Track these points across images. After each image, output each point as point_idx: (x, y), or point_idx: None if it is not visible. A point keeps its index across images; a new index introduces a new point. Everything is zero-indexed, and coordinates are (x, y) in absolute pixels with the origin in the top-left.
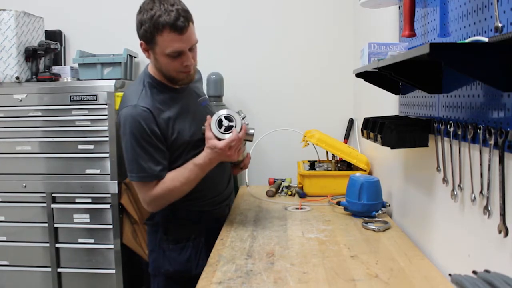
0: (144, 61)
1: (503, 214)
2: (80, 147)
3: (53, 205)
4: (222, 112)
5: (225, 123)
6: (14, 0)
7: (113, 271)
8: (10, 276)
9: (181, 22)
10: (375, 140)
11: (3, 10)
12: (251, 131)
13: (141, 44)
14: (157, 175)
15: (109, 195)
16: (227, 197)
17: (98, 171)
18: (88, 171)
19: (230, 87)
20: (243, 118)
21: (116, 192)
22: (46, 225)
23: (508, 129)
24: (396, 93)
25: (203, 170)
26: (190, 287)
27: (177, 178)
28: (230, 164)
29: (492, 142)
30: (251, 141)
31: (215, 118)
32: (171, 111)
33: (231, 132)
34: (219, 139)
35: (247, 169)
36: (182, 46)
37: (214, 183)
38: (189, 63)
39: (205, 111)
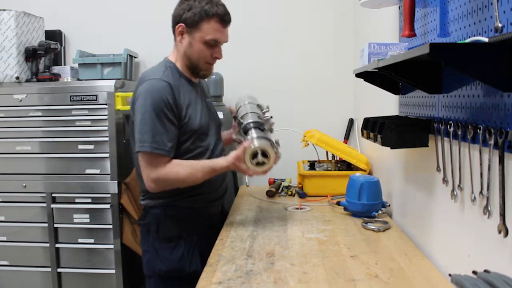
0: (144, 61)
1: (503, 214)
2: (80, 147)
3: (53, 205)
4: (260, 144)
5: (260, 159)
6: (14, 0)
7: (113, 271)
8: (10, 276)
9: (228, 17)
10: (375, 140)
11: (3, 10)
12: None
13: (178, 27)
14: (167, 151)
15: (109, 195)
16: (221, 196)
17: (98, 171)
18: (88, 171)
19: (230, 87)
20: (276, 144)
21: (116, 192)
22: (46, 225)
23: (508, 129)
24: (396, 93)
25: (215, 173)
26: (185, 286)
27: (189, 167)
28: None
29: (492, 142)
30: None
31: (251, 147)
32: (185, 97)
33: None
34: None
35: None
36: (221, 38)
37: (208, 180)
38: (219, 56)
39: (211, 109)
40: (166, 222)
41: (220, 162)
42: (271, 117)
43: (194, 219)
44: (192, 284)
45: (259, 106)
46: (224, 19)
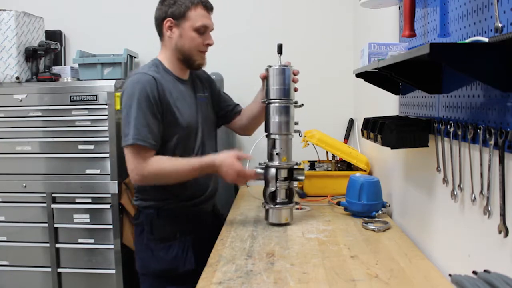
0: (144, 61)
1: (503, 214)
2: (80, 147)
3: (53, 205)
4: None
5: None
6: (14, 0)
7: (113, 271)
8: (10, 276)
9: (210, 4)
10: (375, 140)
11: (3, 10)
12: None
13: (166, 22)
14: (152, 144)
15: (109, 195)
16: (211, 197)
17: (98, 171)
18: (88, 171)
19: (230, 87)
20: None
21: (116, 192)
22: (46, 225)
23: (508, 129)
24: (396, 93)
25: (202, 171)
26: (178, 284)
27: (175, 161)
28: None
29: (492, 142)
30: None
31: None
32: (172, 93)
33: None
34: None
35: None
36: (210, 23)
37: (198, 181)
38: (210, 42)
39: (202, 106)
40: (160, 222)
41: (208, 158)
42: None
43: (187, 219)
44: (186, 282)
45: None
46: (207, 5)
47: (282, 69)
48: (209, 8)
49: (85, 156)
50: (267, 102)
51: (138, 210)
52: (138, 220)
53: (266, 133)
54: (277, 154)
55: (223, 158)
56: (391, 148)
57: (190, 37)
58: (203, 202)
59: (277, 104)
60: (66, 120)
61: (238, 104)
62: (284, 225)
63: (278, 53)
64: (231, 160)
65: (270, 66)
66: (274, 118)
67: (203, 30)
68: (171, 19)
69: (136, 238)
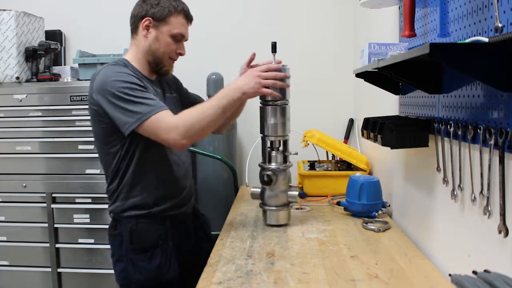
0: None
1: (503, 214)
2: (80, 147)
3: (53, 205)
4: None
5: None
6: (14, 0)
7: (113, 271)
8: (10, 276)
9: (191, 16)
10: (375, 140)
11: (3, 10)
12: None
13: (145, 21)
14: (165, 107)
15: None
16: (190, 198)
17: (98, 171)
18: (88, 171)
19: None
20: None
21: None
22: (46, 225)
23: (508, 129)
24: (396, 93)
25: (228, 97)
26: None
27: (198, 106)
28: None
29: (492, 142)
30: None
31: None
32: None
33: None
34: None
35: (247, 170)
36: (186, 33)
37: (173, 180)
38: (182, 52)
39: (170, 105)
40: (140, 231)
41: (230, 84)
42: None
43: (168, 225)
44: None
45: None
46: (189, 16)
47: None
48: (189, 19)
49: (85, 156)
50: (262, 103)
51: (114, 219)
52: (116, 231)
53: (263, 135)
54: (286, 155)
55: (239, 76)
56: (391, 148)
57: (166, 42)
58: (182, 204)
59: (274, 105)
60: (66, 120)
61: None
62: (282, 226)
63: (273, 52)
64: (246, 70)
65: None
66: (270, 120)
67: (179, 38)
68: (150, 19)
69: (114, 249)
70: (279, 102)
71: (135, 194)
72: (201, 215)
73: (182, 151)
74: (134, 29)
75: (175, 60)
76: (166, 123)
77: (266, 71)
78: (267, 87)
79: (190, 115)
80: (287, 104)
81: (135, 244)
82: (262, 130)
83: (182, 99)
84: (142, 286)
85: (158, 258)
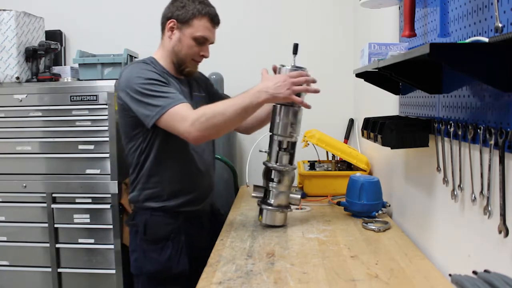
0: None
1: (503, 214)
2: (80, 147)
3: (53, 205)
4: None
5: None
6: (14, 0)
7: (113, 271)
8: (10, 276)
9: (217, 19)
10: (375, 140)
11: (3, 10)
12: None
13: (170, 23)
14: (185, 101)
15: (109, 195)
16: (207, 195)
17: (98, 171)
18: (88, 171)
19: (230, 87)
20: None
21: (116, 192)
22: (46, 225)
23: (508, 129)
24: (396, 93)
25: (248, 98)
26: (171, 285)
27: (218, 103)
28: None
29: (492, 142)
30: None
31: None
32: (171, 84)
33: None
34: None
35: (247, 170)
36: (210, 36)
37: (191, 180)
38: (206, 54)
39: (197, 104)
40: (154, 224)
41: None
42: None
43: (182, 220)
44: (179, 284)
45: None
46: (214, 19)
47: (297, 70)
48: (215, 23)
49: (85, 156)
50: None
51: (134, 210)
52: (133, 221)
53: (271, 133)
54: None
55: (263, 80)
56: (391, 148)
57: (188, 44)
58: (197, 201)
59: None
60: (66, 120)
61: None
62: (280, 227)
63: (294, 53)
64: (272, 76)
65: (283, 66)
66: (280, 120)
67: (202, 41)
68: (175, 21)
69: (130, 238)
70: (296, 104)
71: (150, 186)
72: (220, 214)
73: (198, 145)
74: (162, 29)
75: (199, 62)
76: (182, 115)
77: (298, 77)
78: (298, 95)
79: (208, 110)
80: (300, 107)
81: (148, 235)
82: (271, 129)
83: (211, 99)
84: (152, 278)
85: (169, 251)
